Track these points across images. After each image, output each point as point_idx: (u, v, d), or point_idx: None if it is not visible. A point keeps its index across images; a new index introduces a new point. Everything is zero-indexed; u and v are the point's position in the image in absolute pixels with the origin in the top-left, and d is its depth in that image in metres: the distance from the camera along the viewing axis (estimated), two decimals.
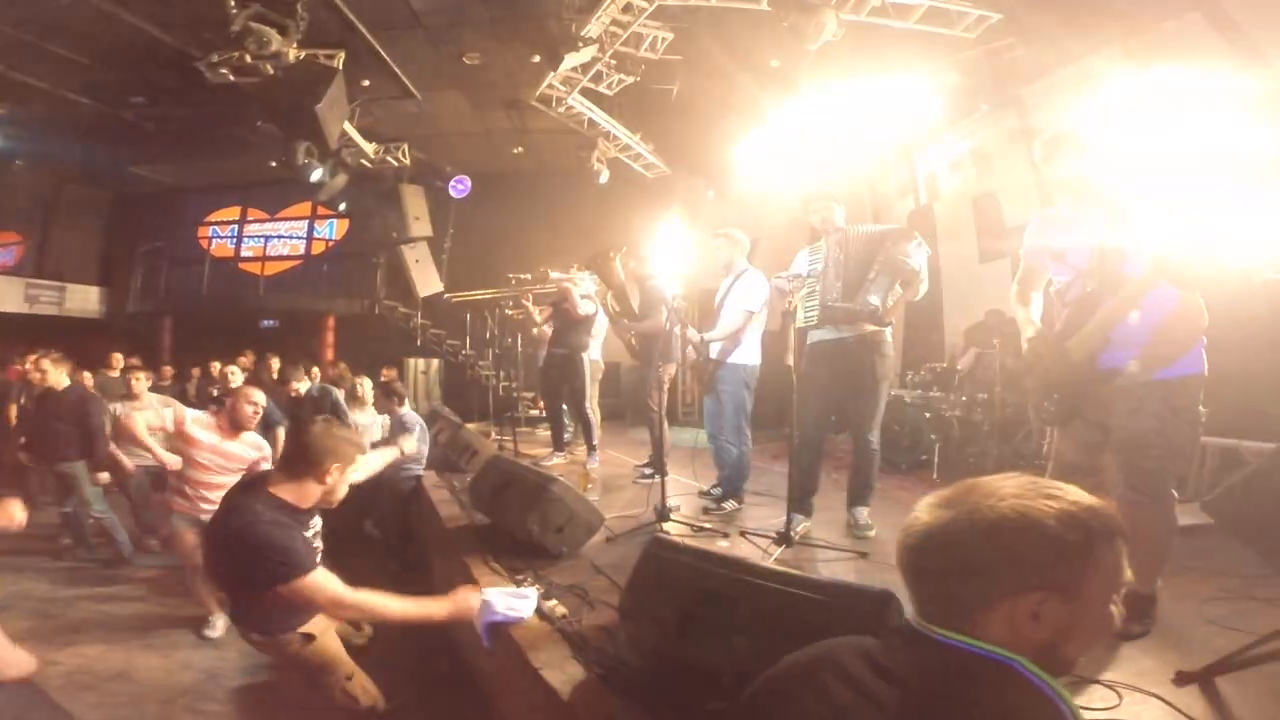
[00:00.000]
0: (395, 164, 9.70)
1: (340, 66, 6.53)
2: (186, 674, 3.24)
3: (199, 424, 3.61)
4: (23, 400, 5.40)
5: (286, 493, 2.14)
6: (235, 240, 13.82)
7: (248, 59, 5.99)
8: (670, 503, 3.56)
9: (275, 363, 6.97)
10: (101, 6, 6.22)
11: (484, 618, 2.40)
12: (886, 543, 3.16)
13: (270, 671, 3.08)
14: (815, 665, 0.92)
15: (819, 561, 3.03)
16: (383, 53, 7.07)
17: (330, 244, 13.39)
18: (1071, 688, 1.76)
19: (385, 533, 5.03)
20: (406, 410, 5.16)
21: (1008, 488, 0.87)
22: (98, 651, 3.32)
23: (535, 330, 5.80)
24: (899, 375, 6.46)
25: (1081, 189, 2.33)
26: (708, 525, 3.55)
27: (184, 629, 3.65)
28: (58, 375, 4.69)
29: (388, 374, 7.13)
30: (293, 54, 6.06)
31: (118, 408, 4.95)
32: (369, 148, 9.07)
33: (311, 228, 13.42)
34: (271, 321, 12.43)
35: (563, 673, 2.04)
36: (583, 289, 5.20)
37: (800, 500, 3.35)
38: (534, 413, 7.47)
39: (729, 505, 3.93)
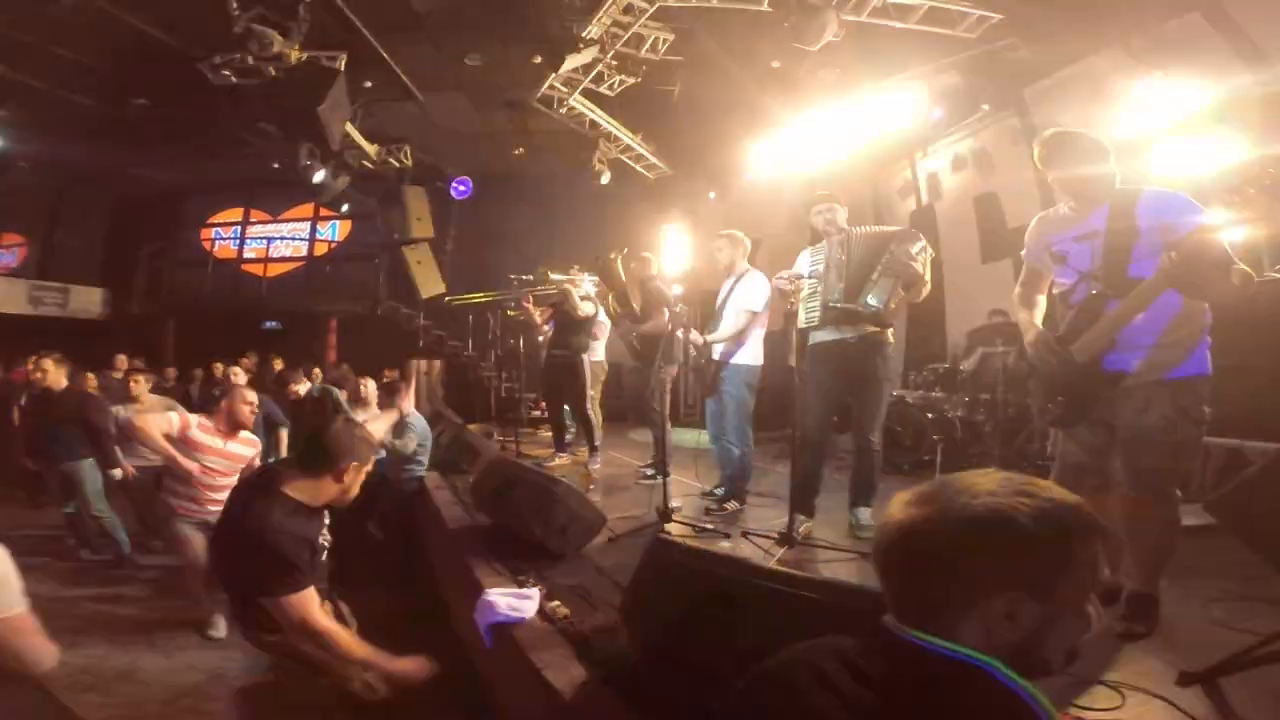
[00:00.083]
0: (397, 165, 9.71)
1: (342, 68, 6.54)
2: (190, 674, 3.25)
3: (203, 429, 3.63)
4: (23, 401, 5.42)
5: (301, 492, 2.14)
6: (238, 242, 13.86)
7: (250, 61, 6.01)
8: (672, 504, 3.56)
9: (278, 364, 6.99)
10: (104, 8, 6.24)
11: (486, 618, 2.40)
12: None
13: (273, 672, 3.08)
14: (791, 668, 0.91)
15: (821, 562, 3.03)
16: (384, 54, 7.08)
17: (333, 245, 13.42)
18: (1074, 688, 1.77)
19: (388, 534, 5.03)
20: (409, 411, 5.16)
21: (983, 485, 0.85)
22: (101, 652, 3.32)
23: (541, 338, 5.81)
24: (901, 375, 6.45)
25: (1082, 189, 2.32)
26: (710, 526, 3.56)
27: (187, 629, 3.66)
28: (58, 376, 4.71)
29: (390, 375, 7.14)
30: (295, 56, 6.07)
31: (120, 410, 4.97)
32: (371, 149, 9.08)
33: (314, 229, 13.45)
34: (274, 323, 12.45)
35: (565, 673, 2.04)
36: (583, 290, 5.21)
37: (802, 501, 3.35)
38: (536, 414, 7.47)
39: (731, 506, 3.93)
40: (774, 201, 7.68)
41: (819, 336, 3.49)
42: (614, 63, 6.77)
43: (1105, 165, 2.28)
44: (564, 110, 7.54)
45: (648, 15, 5.90)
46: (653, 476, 4.40)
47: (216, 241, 13.98)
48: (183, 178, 12.44)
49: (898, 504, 0.90)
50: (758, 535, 3.27)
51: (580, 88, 7.14)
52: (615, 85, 7.22)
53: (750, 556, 2.84)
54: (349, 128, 7.89)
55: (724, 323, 4.04)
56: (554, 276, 5.28)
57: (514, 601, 2.42)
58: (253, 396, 3.78)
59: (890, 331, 3.46)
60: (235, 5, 5.69)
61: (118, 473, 4.65)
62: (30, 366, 4.86)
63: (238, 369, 5.93)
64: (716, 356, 4.03)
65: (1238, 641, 1.83)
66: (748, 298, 3.97)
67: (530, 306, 5.57)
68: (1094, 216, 2.29)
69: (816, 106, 6.65)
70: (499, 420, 7.19)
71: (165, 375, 8.14)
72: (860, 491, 3.51)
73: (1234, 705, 1.71)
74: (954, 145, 7.16)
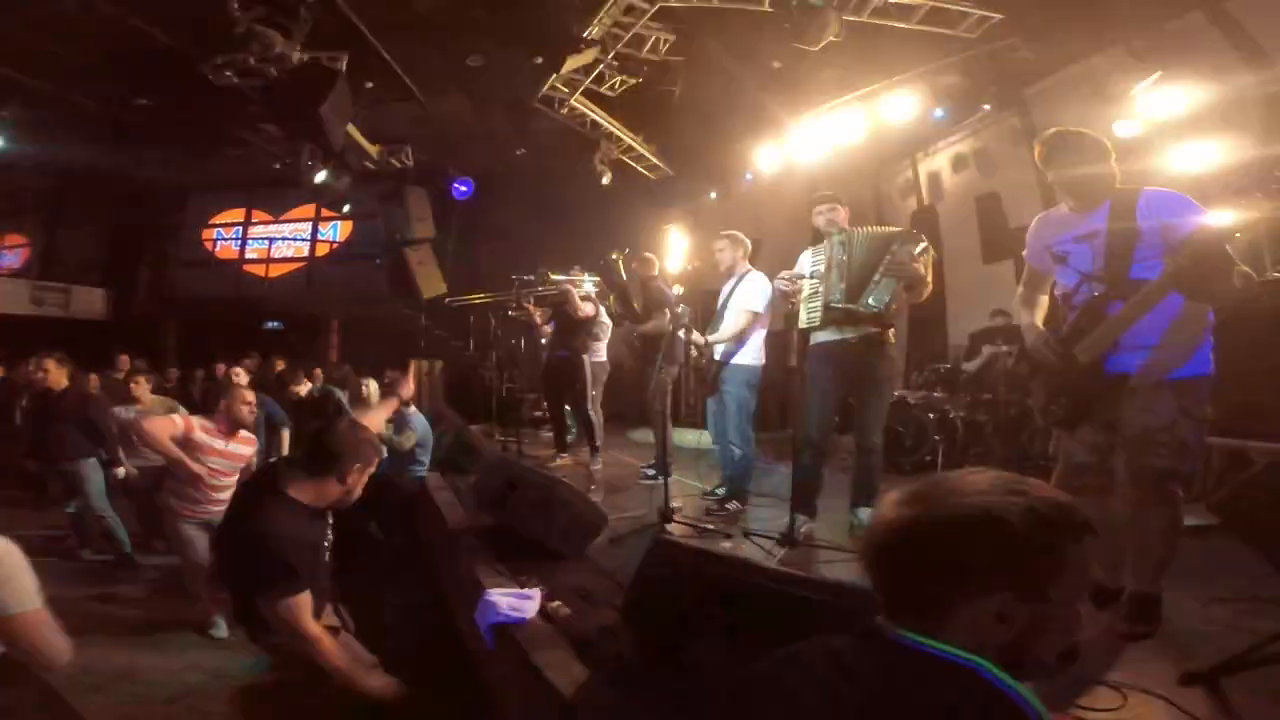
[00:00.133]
0: (398, 166, 9.72)
1: (344, 69, 6.55)
2: (192, 674, 3.25)
3: (205, 431, 3.64)
4: (23, 402, 5.43)
5: (305, 493, 2.15)
6: (240, 242, 13.89)
7: (251, 61, 6.02)
8: (673, 504, 3.56)
9: (280, 364, 7.00)
10: (106, 9, 6.26)
11: (487, 618, 2.40)
12: None
13: (275, 672, 3.09)
14: (782, 668, 0.91)
15: (822, 562, 3.03)
16: (386, 55, 7.09)
17: (334, 246, 13.45)
18: (1076, 688, 1.77)
19: (389, 534, 5.04)
20: (411, 410, 5.17)
21: (973, 484, 0.85)
22: (103, 652, 3.32)
23: (542, 340, 5.81)
24: (903, 376, 6.44)
25: (1082, 189, 2.32)
26: (711, 526, 3.56)
27: (188, 629, 3.67)
28: (59, 376, 4.72)
29: (391, 375, 7.14)
30: (296, 56, 6.08)
31: (121, 412, 4.99)
32: (372, 149, 9.09)
33: (315, 230, 13.47)
34: (276, 323, 12.47)
35: (566, 673, 2.04)
36: (583, 290, 5.21)
37: (803, 501, 3.35)
38: (537, 414, 7.48)
39: (732, 506, 3.93)
40: (775, 202, 7.68)
41: (820, 337, 3.49)
42: (615, 63, 6.78)
43: (1105, 165, 2.27)
44: (565, 111, 7.55)
45: (649, 16, 5.91)
46: (654, 477, 4.39)
47: (218, 242, 14.01)
48: (184, 178, 12.47)
49: (888, 503, 0.89)
50: (759, 535, 3.27)
51: (581, 88, 7.15)
52: (616, 86, 7.23)
53: (752, 557, 2.83)
54: (350, 128, 7.89)
55: (725, 323, 4.04)
56: (554, 277, 5.28)
57: (515, 602, 2.42)
58: (251, 396, 3.79)
59: (891, 332, 3.46)
60: (236, 6, 5.70)
61: (120, 471, 4.66)
62: (31, 367, 4.86)
63: (239, 369, 5.93)
64: (717, 357, 4.03)
65: (1240, 642, 1.83)
66: (748, 298, 3.97)
67: (531, 307, 5.57)
68: (1094, 216, 2.28)
69: (817, 107, 6.64)
70: (500, 420, 7.19)
71: (167, 376, 8.15)
72: (861, 492, 3.51)
73: (1236, 706, 1.71)
74: (955, 145, 7.16)
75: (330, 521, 2.33)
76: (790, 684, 0.87)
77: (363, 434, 2.27)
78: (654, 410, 4.71)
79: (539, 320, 5.60)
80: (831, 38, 5.21)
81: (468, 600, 2.80)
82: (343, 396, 5.58)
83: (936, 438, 5.21)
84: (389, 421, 5.02)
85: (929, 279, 3.34)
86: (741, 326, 3.95)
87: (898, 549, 0.86)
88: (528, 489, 3.20)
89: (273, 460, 4.05)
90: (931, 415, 5.41)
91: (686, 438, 5.46)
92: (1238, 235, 2.05)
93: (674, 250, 7.68)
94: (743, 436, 3.95)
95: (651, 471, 4.63)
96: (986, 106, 6.07)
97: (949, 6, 5.34)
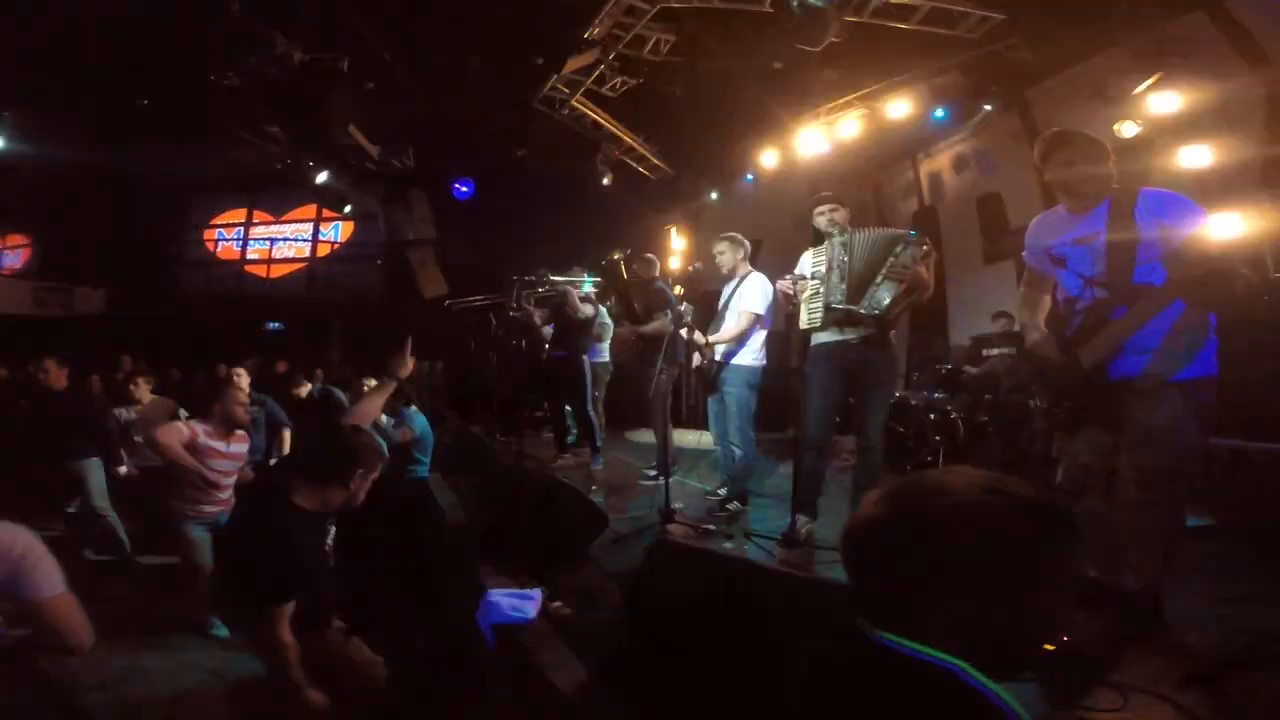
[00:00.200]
0: (399, 166, 9.73)
1: (345, 69, 6.56)
2: (193, 674, 3.25)
3: (208, 435, 3.66)
4: (23, 403, 5.43)
5: (308, 500, 2.16)
6: (241, 243, 13.91)
7: (253, 62, 6.03)
8: (674, 504, 3.56)
9: (281, 365, 7.01)
10: (109, 9, 6.27)
11: (489, 618, 2.40)
12: None
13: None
14: (763, 668, 0.91)
15: (824, 563, 3.03)
16: (387, 56, 7.10)
17: (335, 246, 13.47)
18: (1078, 689, 1.77)
19: (389, 534, 5.04)
20: (412, 410, 5.17)
21: (951, 483, 0.83)
22: (104, 652, 3.32)
23: (546, 342, 5.81)
24: (903, 376, 6.44)
25: (1080, 189, 2.31)
26: (712, 527, 3.56)
27: (189, 629, 3.67)
28: (60, 376, 4.73)
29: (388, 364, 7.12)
30: (298, 57, 6.09)
31: (123, 412, 4.99)
32: (373, 150, 9.10)
33: (317, 230, 13.49)
34: (278, 324, 12.48)
35: (567, 673, 2.04)
36: (582, 292, 5.21)
37: (805, 502, 3.35)
38: (538, 415, 7.48)
39: (733, 507, 3.94)
40: (776, 202, 7.68)
41: (821, 338, 3.48)
42: (616, 64, 6.78)
43: (1104, 165, 2.27)
44: (566, 111, 7.55)
45: (649, 16, 5.91)
46: (655, 477, 4.40)
47: (220, 242, 14.03)
48: (186, 179, 12.49)
49: (868, 501, 0.88)
50: (760, 536, 3.27)
51: (582, 89, 7.15)
52: (617, 86, 7.23)
53: (753, 557, 2.84)
54: (351, 129, 7.91)
55: (726, 324, 4.05)
56: (554, 278, 5.28)
57: (516, 602, 2.43)
58: (244, 395, 3.81)
59: (892, 333, 3.46)
60: (238, 6, 5.71)
61: (122, 469, 4.67)
62: (32, 367, 4.87)
63: (241, 370, 5.93)
64: (718, 357, 4.03)
65: (1240, 642, 1.83)
66: (749, 300, 3.97)
67: (530, 308, 5.57)
68: (1092, 217, 2.28)
69: (818, 107, 6.65)
70: (501, 421, 7.19)
71: (170, 376, 8.15)
72: (863, 492, 3.50)
73: (1238, 706, 1.70)
74: (956, 146, 7.15)
75: (332, 523, 2.33)
76: (770, 685, 0.87)
77: (365, 439, 2.28)
78: (655, 411, 4.72)
79: (538, 322, 5.60)
80: (833, 38, 5.21)
81: (469, 600, 2.80)
82: (344, 397, 5.59)
83: (937, 438, 5.21)
84: (386, 414, 5.04)
85: (931, 281, 3.34)
86: (743, 328, 3.95)
87: (874, 548, 0.85)
88: (529, 489, 3.21)
89: (275, 464, 4.06)
90: (932, 416, 5.41)
91: (687, 438, 5.46)
92: (1238, 239, 2.05)
93: (674, 251, 7.68)
94: (744, 437, 3.95)
95: (652, 472, 4.63)
96: (988, 107, 6.06)
97: (950, 7, 5.34)
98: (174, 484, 3.68)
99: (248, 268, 13.73)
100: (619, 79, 7.10)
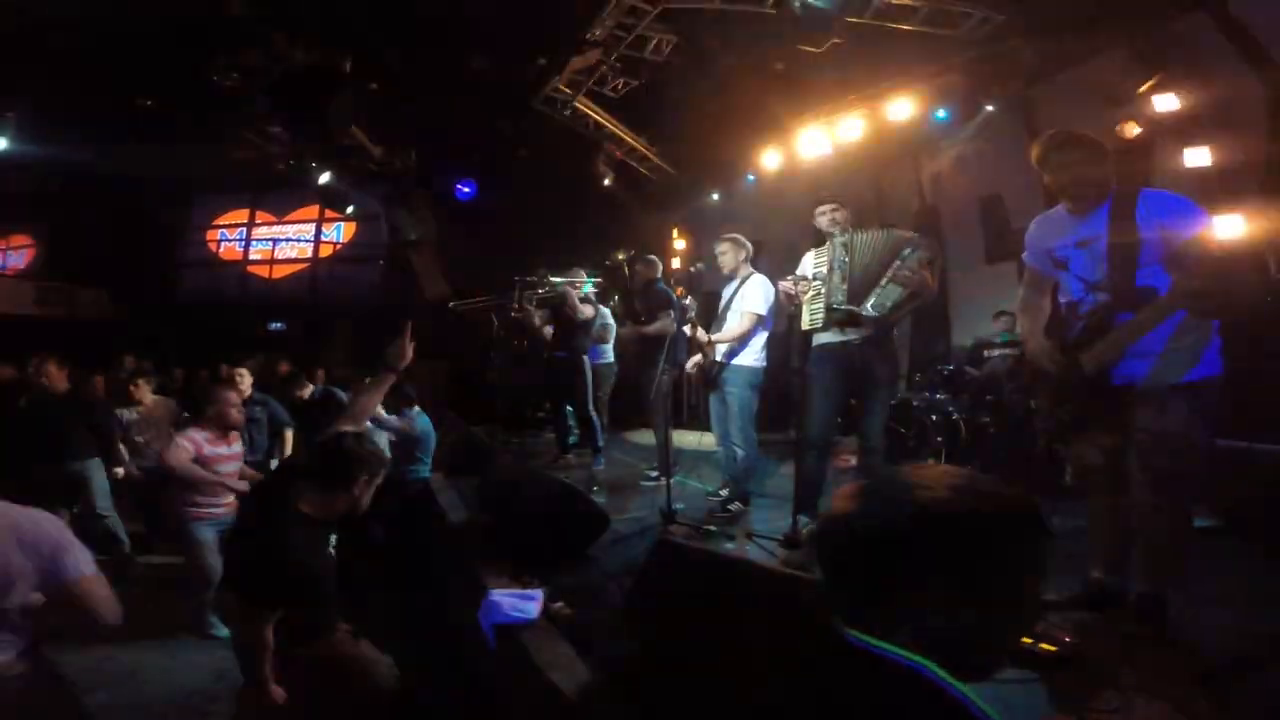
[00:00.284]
0: (401, 167, 9.75)
1: (348, 70, 6.57)
2: (194, 674, 3.26)
3: (209, 442, 3.69)
4: (22, 403, 5.43)
5: (312, 506, 2.16)
6: (244, 243, 13.94)
7: (255, 62, 6.04)
8: (676, 505, 3.56)
9: (283, 366, 7.01)
10: (111, 9, 6.29)
11: (490, 619, 2.40)
12: None
13: (277, 672, 3.09)
14: (741, 665, 0.91)
15: None
16: (389, 56, 7.11)
17: (338, 247, 13.49)
18: (1081, 689, 1.77)
19: (391, 535, 5.04)
20: (415, 411, 5.18)
21: (921, 480, 0.82)
22: (106, 651, 3.33)
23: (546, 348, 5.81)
24: (905, 377, 6.43)
25: (1079, 190, 2.29)
26: (713, 527, 3.56)
27: (188, 629, 3.68)
28: (60, 377, 4.74)
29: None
30: (300, 57, 6.10)
31: (124, 412, 5.00)
32: (375, 150, 9.12)
33: (319, 230, 13.52)
34: (280, 324, 12.50)
35: (568, 673, 2.04)
36: (582, 292, 5.21)
37: (806, 502, 3.34)
38: (540, 415, 7.48)
39: (735, 507, 3.93)
40: (777, 203, 7.67)
41: (822, 338, 3.48)
42: (618, 65, 6.79)
43: (1103, 166, 2.26)
44: (568, 112, 7.56)
45: (651, 17, 5.92)
46: (656, 478, 4.39)
47: (222, 243, 14.06)
48: (188, 179, 12.51)
49: (840, 497, 0.87)
50: (762, 537, 3.27)
51: (584, 89, 7.15)
52: (619, 87, 7.23)
53: (754, 558, 2.83)
54: (354, 129, 7.93)
55: (727, 325, 4.05)
56: (554, 279, 5.28)
57: (518, 602, 2.42)
58: (237, 396, 3.87)
59: (894, 333, 3.45)
60: (241, 6, 5.73)
61: (120, 471, 4.68)
62: (32, 369, 4.87)
63: (243, 370, 5.93)
64: (720, 357, 4.03)
65: (1243, 642, 1.82)
66: (751, 301, 3.97)
67: (531, 309, 5.57)
68: (1093, 219, 2.27)
69: (819, 108, 6.64)
70: (502, 422, 7.19)
71: (172, 376, 8.16)
72: None
73: (1240, 707, 1.70)
74: (957, 146, 7.14)
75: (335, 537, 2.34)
76: (755, 684, 0.87)
77: (370, 445, 2.29)
78: (656, 412, 4.72)
79: (537, 322, 5.60)
80: (834, 39, 5.21)
81: (471, 601, 2.81)
82: (345, 398, 5.58)
83: (939, 439, 5.20)
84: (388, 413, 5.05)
85: (934, 284, 3.34)
86: (745, 329, 3.95)
87: (845, 545, 0.84)
88: (530, 490, 3.20)
89: (280, 468, 4.06)
90: (934, 417, 5.40)
91: (688, 439, 5.46)
92: (1240, 240, 2.05)
93: (676, 252, 7.68)
94: (745, 438, 3.95)
95: (654, 472, 4.63)
96: (989, 107, 6.06)
97: (951, 8, 5.33)
98: (181, 487, 3.70)
99: (250, 268, 13.75)
100: (621, 80, 7.10)
